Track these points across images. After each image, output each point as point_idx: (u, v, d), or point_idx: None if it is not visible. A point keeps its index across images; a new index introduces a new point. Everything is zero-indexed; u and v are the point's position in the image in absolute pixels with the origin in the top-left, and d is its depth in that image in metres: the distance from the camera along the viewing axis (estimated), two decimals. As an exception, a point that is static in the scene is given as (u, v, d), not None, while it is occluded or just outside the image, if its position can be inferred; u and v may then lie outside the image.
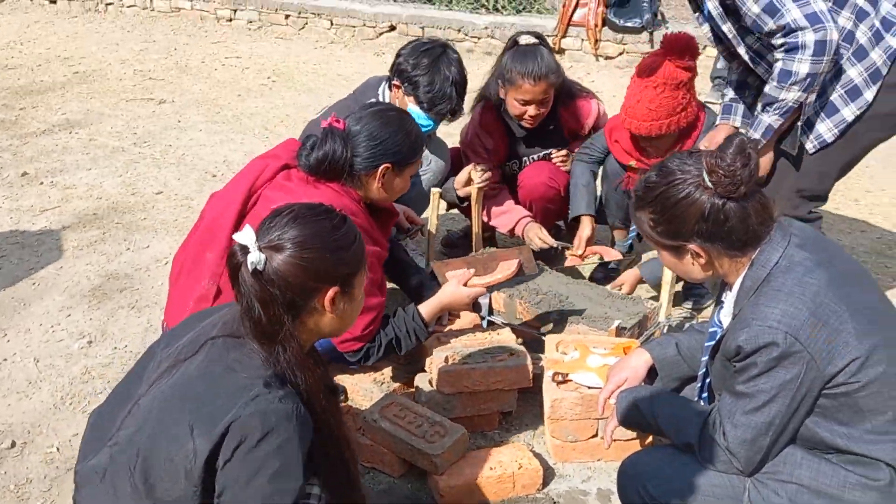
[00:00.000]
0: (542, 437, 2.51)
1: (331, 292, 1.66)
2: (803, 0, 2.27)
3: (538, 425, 2.54)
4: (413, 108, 2.89)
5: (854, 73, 2.45)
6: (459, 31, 7.48)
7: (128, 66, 6.86)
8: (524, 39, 3.15)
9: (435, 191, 3.20)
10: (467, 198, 3.24)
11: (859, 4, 2.43)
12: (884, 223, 4.11)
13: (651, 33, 6.76)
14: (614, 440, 2.14)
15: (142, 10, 8.65)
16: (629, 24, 6.80)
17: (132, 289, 3.39)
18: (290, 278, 1.60)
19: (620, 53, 6.95)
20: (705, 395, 1.98)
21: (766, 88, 2.45)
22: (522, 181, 3.35)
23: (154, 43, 7.68)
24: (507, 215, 3.30)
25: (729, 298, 1.85)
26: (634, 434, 2.30)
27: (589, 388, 2.33)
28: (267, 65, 7.05)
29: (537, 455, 2.36)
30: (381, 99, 3.06)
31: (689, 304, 3.19)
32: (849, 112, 2.47)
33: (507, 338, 2.57)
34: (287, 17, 8.22)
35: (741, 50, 2.59)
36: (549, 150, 3.36)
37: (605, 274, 3.38)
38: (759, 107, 2.51)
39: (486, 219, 3.32)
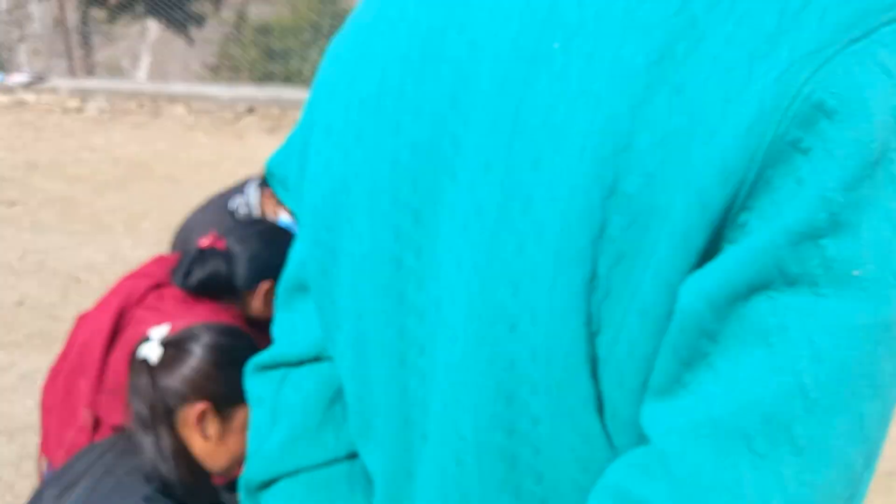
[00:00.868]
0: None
1: (199, 406, 1.73)
2: None
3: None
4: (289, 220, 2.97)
5: None
6: (319, 111, 7.61)
7: (-30, 167, 6.55)
8: None
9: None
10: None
11: None
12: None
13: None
14: None
15: (-19, 105, 8.29)
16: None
17: (0, 414, 3.22)
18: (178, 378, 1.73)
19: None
20: None
21: None
22: None
23: (-2, 139, 7.38)
24: None
25: None
26: None
27: None
28: (123, 155, 6.91)
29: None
30: (249, 200, 3.09)
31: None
32: None
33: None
34: (140, 104, 8.10)
35: None
36: None
37: None
38: None
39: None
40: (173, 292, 2.39)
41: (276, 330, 0.95)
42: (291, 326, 0.92)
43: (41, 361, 3.56)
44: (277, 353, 0.91)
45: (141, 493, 1.60)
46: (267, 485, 0.90)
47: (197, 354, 1.83)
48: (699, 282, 0.53)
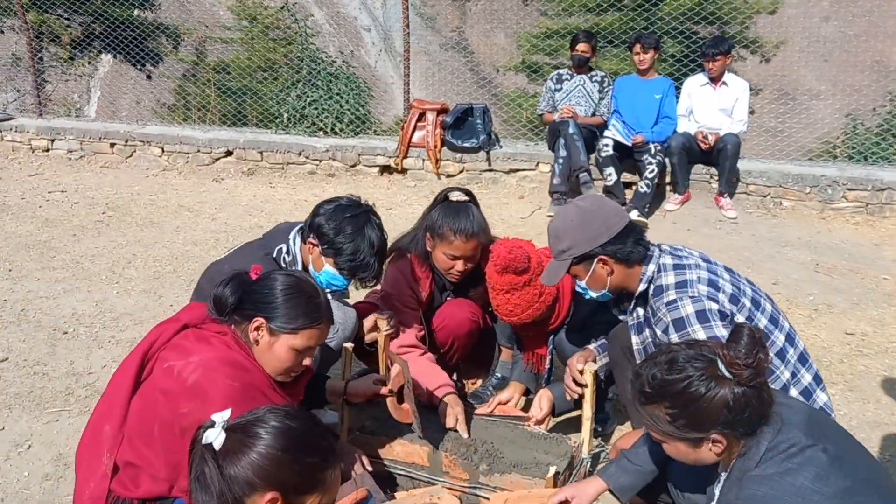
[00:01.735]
0: None
1: (267, 496, 1.66)
2: (708, 325, 2.39)
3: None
4: (330, 270, 2.83)
5: None
6: (300, 154, 7.47)
7: (-66, 208, 6.20)
8: (455, 196, 3.21)
9: (347, 345, 3.09)
10: (372, 344, 3.16)
11: (783, 378, 2.52)
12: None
13: (487, 152, 7.12)
14: None
15: (-60, 142, 7.92)
16: (466, 145, 7.12)
17: (-8, 483, 2.95)
18: (240, 466, 1.67)
19: (461, 171, 7.24)
20: None
21: None
22: (444, 321, 3.33)
23: (-39, 179, 7.02)
24: (425, 378, 3.20)
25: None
26: None
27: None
28: (98, 198, 6.64)
29: None
30: (291, 246, 2.95)
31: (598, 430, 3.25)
32: None
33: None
34: (112, 145, 7.84)
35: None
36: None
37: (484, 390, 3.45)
38: None
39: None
40: (196, 332, 2.31)
41: None
42: None
43: (34, 424, 3.30)
44: None
45: None
46: None
47: (265, 439, 1.69)
48: None
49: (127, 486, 2.23)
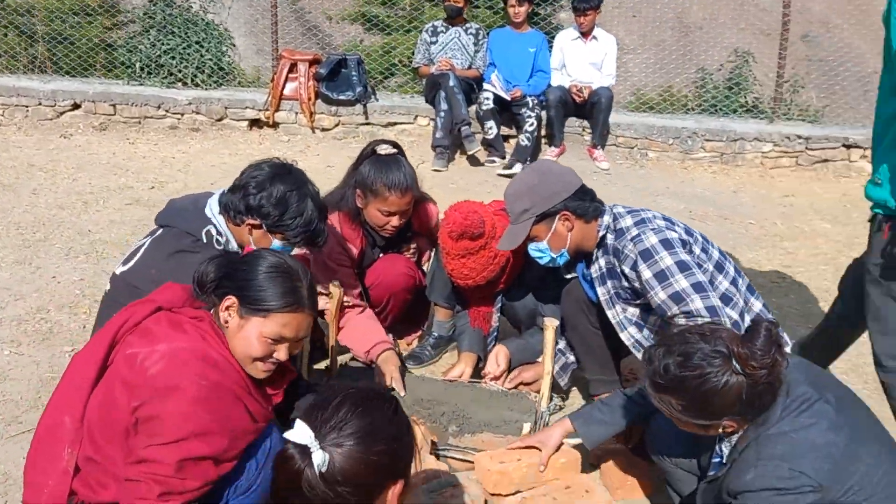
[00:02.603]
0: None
1: (398, 486, 1.59)
2: (704, 293, 2.47)
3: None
4: (278, 244, 2.62)
5: None
6: (159, 107, 6.95)
7: None
8: (383, 149, 3.08)
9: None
10: (321, 312, 3.04)
11: (740, 304, 2.66)
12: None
13: (364, 105, 6.97)
14: None
15: None
16: (342, 98, 6.92)
17: None
18: (360, 475, 1.54)
19: (336, 125, 7.03)
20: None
21: None
22: (379, 278, 3.25)
23: None
24: (363, 337, 3.13)
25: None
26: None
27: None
28: (-73, 158, 5.85)
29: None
30: (220, 226, 2.68)
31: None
32: None
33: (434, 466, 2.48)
34: (-67, 97, 6.90)
35: (623, 336, 2.73)
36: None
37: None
38: None
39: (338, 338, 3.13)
40: (170, 316, 2.09)
41: None
42: None
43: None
44: None
45: None
46: None
47: (366, 441, 1.60)
48: None
49: (92, 487, 1.98)
